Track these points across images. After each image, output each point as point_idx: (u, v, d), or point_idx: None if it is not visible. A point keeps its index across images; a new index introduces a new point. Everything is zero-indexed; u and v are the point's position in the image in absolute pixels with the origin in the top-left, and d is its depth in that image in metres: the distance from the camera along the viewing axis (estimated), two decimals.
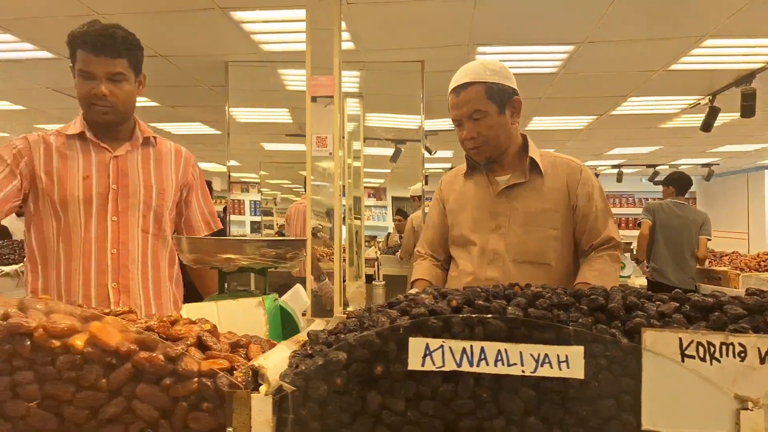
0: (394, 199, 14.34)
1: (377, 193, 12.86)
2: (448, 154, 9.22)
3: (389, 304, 0.88)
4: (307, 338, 1.04)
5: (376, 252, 6.22)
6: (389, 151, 6.83)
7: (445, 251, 1.68)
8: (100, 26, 1.53)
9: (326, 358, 0.76)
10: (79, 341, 0.77)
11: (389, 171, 9.68)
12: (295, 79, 4.53)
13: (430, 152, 6.35)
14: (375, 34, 3.45)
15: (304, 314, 1.26)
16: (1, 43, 3.67)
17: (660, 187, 5.32)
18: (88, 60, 1.50)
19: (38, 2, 3.03)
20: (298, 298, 1.24)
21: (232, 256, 1.03)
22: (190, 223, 1.81)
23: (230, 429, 0.75)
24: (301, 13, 3.00)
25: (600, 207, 1.52)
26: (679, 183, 4.84)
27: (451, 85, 1.52)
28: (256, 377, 0.78)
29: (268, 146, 7.73)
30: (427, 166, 6.89)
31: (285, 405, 0.75)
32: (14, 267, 3.47)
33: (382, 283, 3.90)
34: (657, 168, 10.80)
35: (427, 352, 0.74)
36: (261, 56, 3.90)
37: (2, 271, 3.40)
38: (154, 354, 0.78)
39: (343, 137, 3.28)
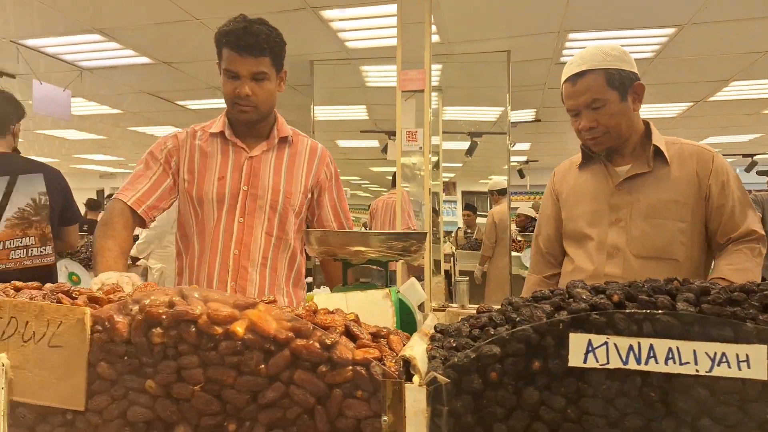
0: (464, 193, 14.19)
1: (447, 187, 12.77)
2: (525, 146, 8.99)
3: (534, 298, 0.86)
4: (433, 331, 1.05)
5: (452, 248, 6.18)
6: (461, 145, 6.75)
7: (562, 247, 1.63)
8: (245, 23, 1.51)
9: (479, 351, 0.75)
10: (239, 328, 0.81)
11: (460, 165, 9.58)
12: (376, 75, 4.58)
13: (470, 152, 6.18)
14: (461, 25, 3.41)
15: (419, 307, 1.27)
16: (105, 51, 3.96)
17: (763, 179, 4.96)
18: (232, 59, 1.51)
19: (142, 10, 3.24)
20: (414, 291, 1.25)
21: (362, 249, 1.05)
22: (321, 222, 1.81)
23: (385, 418, 0.76)
24: (388, 9, 3.01)
25: (737, 197, 1.42)
26: None
27: (566, 74, 1.47)
28: (407, 367, 0.79)
29: (342, 143, 7.88)
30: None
31: (439, 396, 0.75)
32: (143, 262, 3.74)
33: (466, 279, 3.87)
34: (755, 157, 9.98)
35: (590, 349, 0.72)
36: (345, 54, 3.96)
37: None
38: (310, 342, 0.80)
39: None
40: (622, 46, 1.53)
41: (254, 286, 1.65)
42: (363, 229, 6.14)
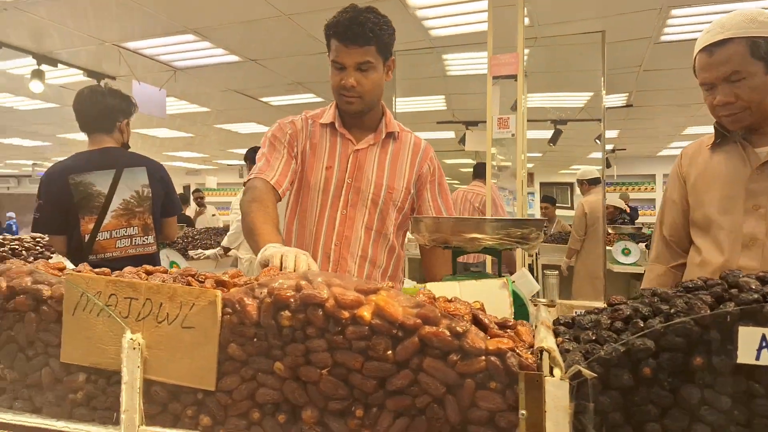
0: (542, 185, 13.72)
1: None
2: (612, 134, 8.53)
3: (685, 288, 0.79)
4: (556, 325, 0.99)
5: None
6: (540, 134, 6.51)
7: (689, 235, 1.50)
8: (352, 13, 1.50)
9: (631, 345, 0.70)
10: (366, 312, 0.80)
11: (539, 155, 9.26)
12: (459, 63, 4.50)
13: (554, 141, 5.85)
14: (552, 7, 3.27)
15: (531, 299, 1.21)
16: (197, 51, 4.15)
17: None
18: (338, 50, 1.51)
19: (234, 9, 3.36)
20: (527, 282, 1.19)
21: (478, 236, 1.01)
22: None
23: (523, 412, 0.72)
24: None
25: None
26: None
27: (702, 43, 1.34)
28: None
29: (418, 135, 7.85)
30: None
31: (584, 391, 0.70)
32: (213, 251, 3.92)
33: (555, 273, 3.73)
34: None
35: (764, 344, 0.64)
36: (428, 43, 3.92)
37: (204, 254, 3.86)
38: (439, 329, 0.78)
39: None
40: None
41: (351, 278, 1.66)
42: None
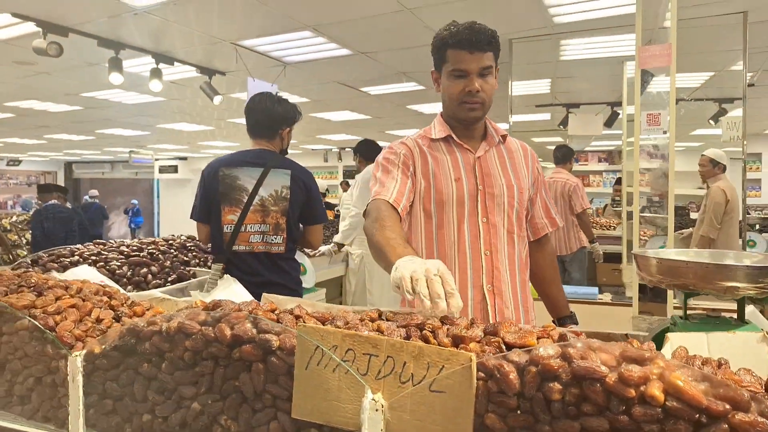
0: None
1: (610, 157, 11.65)
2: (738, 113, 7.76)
3: None
4: None
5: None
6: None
7: None
8: (467, 24, 1.53)
9: None
10: (657, 391, 0.71)
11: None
12: (573, 48, 4.23)
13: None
14: None
15: None
16: (310, 46, 4.17)
17: None
18: (461, 57, 1.51)
19: (358, 6, 3.31)
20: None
21: (738, 285, 0.88)
22: (534, 221, 1.76)
23: None
24: None
25: None
26: None
27: None
28: None
29: (514, 117, 7.56)
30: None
31: None
32: (327, 247, 3.96)
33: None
34: None
35: None
36: (549, 29, 3.70)
37: (319, 251, 3.89)
38: (755, 417, 0.67)
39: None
40: None
41: (507, 287, 1.61)
42: None
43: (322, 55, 4.36)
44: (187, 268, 2.86)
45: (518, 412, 0.78)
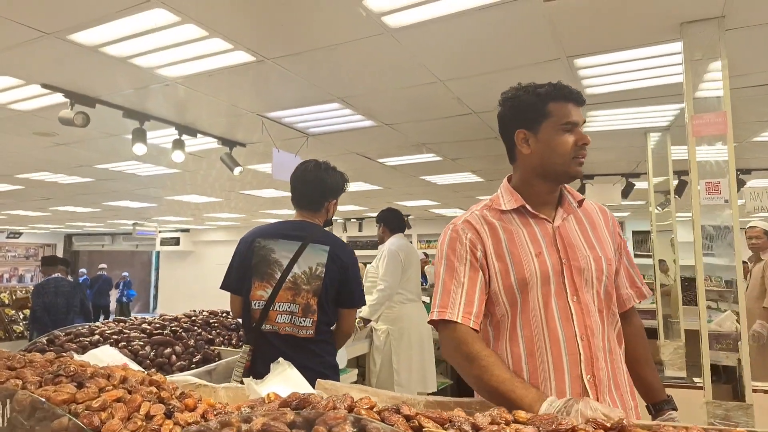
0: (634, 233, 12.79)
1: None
2: (754, 183, 7.77)
3: None
4: None
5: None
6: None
7: None
8: (558, 83, 1.49)
9: None
10: None
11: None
12: (602, 119, 4.24)
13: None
14: (751, 58, 2.98)
15: None
16: (336, 117, 4.19)
17: None
18: (569, 110, 1.45)
19: (390, 77, 3.33)
20: None
21: None
22: (618, 291, 1.59)
23: None
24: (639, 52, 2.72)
25: None
26: None
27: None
28: None
29: None
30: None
31: None
32: None
33: None
34: None
35: None
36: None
37: None
38: None
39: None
40: None
41: (606, 375, 1.42)
42: None
43: (346, 126, 4.37)
44: (211, 347, 2.66)
45: None
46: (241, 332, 3.00)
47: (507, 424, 0.81)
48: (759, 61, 3.03)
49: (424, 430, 0.76)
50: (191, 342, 2.59)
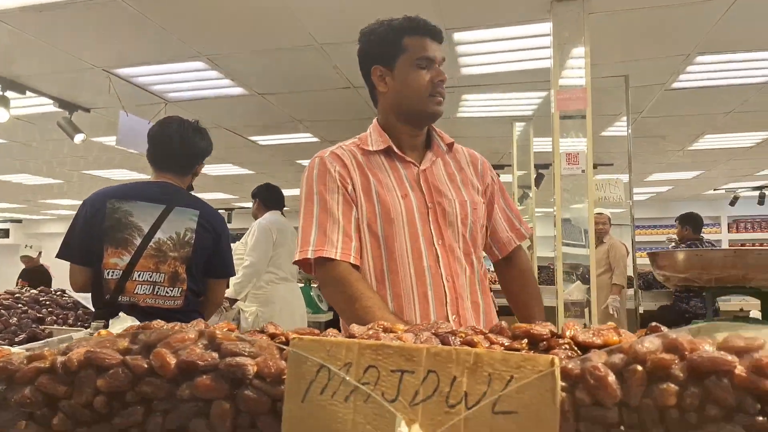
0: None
1: None
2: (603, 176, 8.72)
3: None
4: None
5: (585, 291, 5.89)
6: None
7: None
8: (416, 16, 1.46)
9: None
10: None
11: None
12: (475, 104, 4.43)
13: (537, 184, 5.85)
14: (609, 47, 3.27)
15: None
16: (200, 81, 3.88)
17: None
18: (426, 45, 1.42)
19: (262, 36, 3.13)
20: None
21: None
22: (496, 235, 1.62)
23: None
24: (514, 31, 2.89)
25: None
26: None
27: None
28: None
29: None
30: None
31: None
32: None
33: None
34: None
35: None
36: (455, 82, 3.82)
37: None
38: None
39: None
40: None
41: (470, 315, 1.46)
42: None
43: (212, 92, 4.07)
44: (41, 326, 2.30)
45: (621, 428, 0.60)
46: (80, 311, 2.65)
47: (385, 331, 0.75)
48: (615, 50, 3.36)
49: (292, 339, 0.67)
50: (13, 320, 2.22)
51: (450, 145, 1.57)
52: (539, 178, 7.11)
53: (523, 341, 0.70)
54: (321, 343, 0.67)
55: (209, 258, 2.13)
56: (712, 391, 0.58)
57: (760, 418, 0.57)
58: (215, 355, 0.69)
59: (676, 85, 4.14)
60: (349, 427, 0.64)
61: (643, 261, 3.83)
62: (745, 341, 0.63)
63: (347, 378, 0.65)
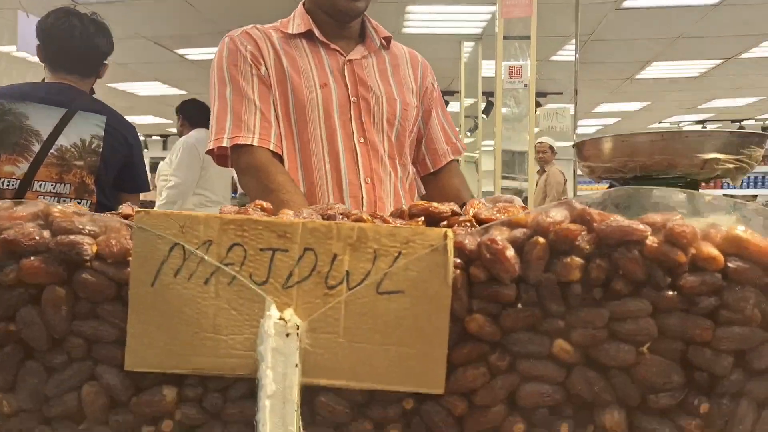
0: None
1: None
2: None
3: None
4: None
5: None
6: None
7: None
8: None
9: None
10: (713, 251, 0.53)
11: None
12: (420, 19, 4.22)
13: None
14: None
15: None
16: None
17: None
18: None
19: None
20: None
21: (719, 156, 0.76)
22: (431, 144, 1.52)
23: None
24: None
25: None
26: None
27: None
28: None
29: None
30: None
31: None
32: None
33: None
34: (743, 123, 9.97)
35: None
36: None
37: None
38: None
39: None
40: None
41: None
42: None
43: None
44: None
45: (519, 306, 0.54)
46: None
47: (264, 210, 0.65)
48: None
49: (136, 213, 0.57)
50: None
51: (387, 40, 1.45)
52: (489, 107, 7.05)
53: (419, 219, 0.62)
54: (173, 218, 0.57)
55: (120, 171, 2.00)
56: (620, 264, 0.53)
57: (670, 293, 0.52)
58: (46, 233, 0.57)
59: (627, 3, 4.06)
60: (211, 314, 0.56)
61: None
62: (663, 216, 0.57)
63: (206, 258, 0.56)
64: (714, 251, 0.52)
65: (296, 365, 0.54)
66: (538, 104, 7.53)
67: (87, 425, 0.57)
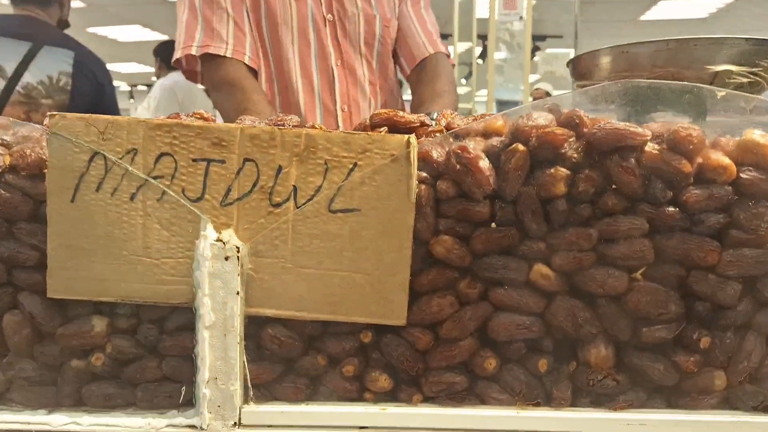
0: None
1: None
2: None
3: None
4: None
5: None
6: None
7: None
8: None
9: None
10: (725, 160, 0.45)
11: None
12: None
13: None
14: None
15: None
16: None
17: None
18: None
19: None
20: None
21: (734, 69, 0.68)
22: (405, 42, 1.34)
23: None
24: None
25: None
26: None
27: None
28: None
29: None
30: None
31: None
32: None
33: None
34: None
35: None
36: None
37: None
38: None
39: None
40: None
41: None
42: None
43: None
44: None
45: (492, 225, 0.46)
46: None
47: (202, 118, 0.57)
48: None
49: (50, 116, 0.49)
50: None
51: None
52: (484, 51, 6.83)
53: (381, 130, 0.53)
54: (91, 122, 0.49)
55: (90, 110, 1.88)
56: (612, 174, 0.45)
57: (670, 209, 0.45)
58: None
59: None
60: (140, 234, 0.49)
61: None
62: (663, 124, 0.49)
63: (131, 169, 0.48)
64: (725, 159, 0.45)
65: (237, 293, 0.48)
66: (536, 48, 7.32)
67: (10, 359, 0.51)
